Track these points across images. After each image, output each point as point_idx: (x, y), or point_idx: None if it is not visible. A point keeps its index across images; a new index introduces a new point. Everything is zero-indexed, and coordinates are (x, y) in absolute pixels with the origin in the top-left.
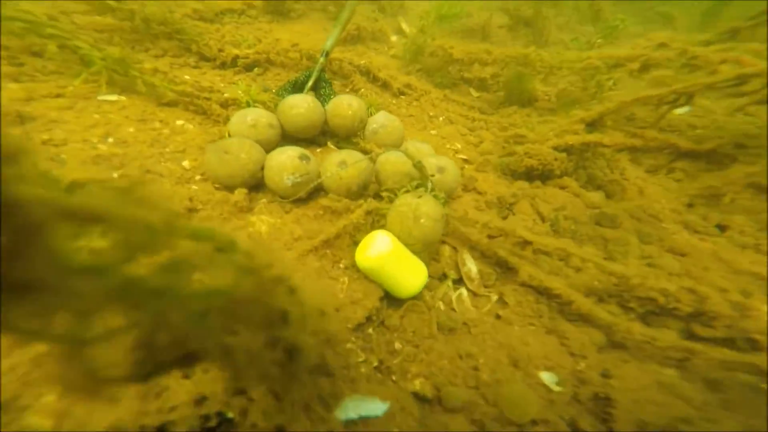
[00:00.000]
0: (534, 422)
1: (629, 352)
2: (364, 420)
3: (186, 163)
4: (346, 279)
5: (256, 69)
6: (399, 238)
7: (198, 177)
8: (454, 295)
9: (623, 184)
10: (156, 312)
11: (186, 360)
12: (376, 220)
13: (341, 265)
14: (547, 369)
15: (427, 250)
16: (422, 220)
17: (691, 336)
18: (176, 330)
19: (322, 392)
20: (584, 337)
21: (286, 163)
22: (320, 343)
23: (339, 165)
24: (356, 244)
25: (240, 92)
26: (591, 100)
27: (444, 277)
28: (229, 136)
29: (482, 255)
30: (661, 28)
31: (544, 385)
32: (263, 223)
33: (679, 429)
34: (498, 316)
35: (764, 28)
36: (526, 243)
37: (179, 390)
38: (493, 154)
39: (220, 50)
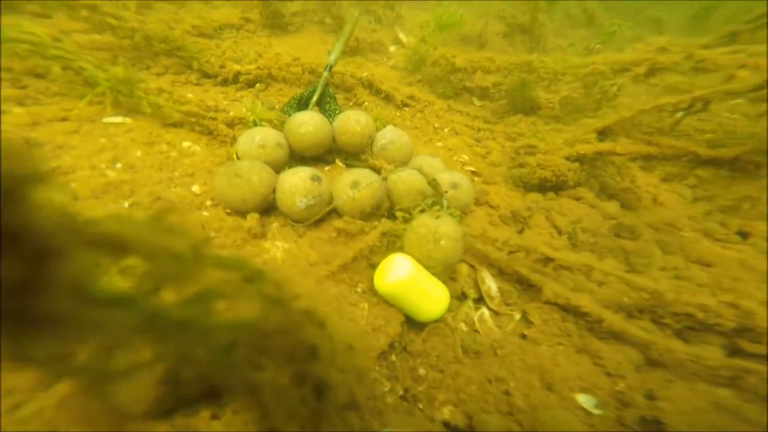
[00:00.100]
0: None
1: (671, 371)
2: None
3: (196, 188)
4: (366, 305)
5: (258, 85)
6: (419, 260)
7: (209, 202)
8: (476, 315)
9: (637, 192)
10: (181, 345)
11: (211, 396)
12: (392, 241)
13: (359, 289)
14: (584, 391)
15: (447, 272)
16: (442, 242)
17: (737, 352)
18: (201, 364)
19: (352, 429)
20: (619, 355)
21: (298, 185)
22: (350, 378)
23: (351, 186)
24: (373, 266)
25: (246, 111)
26: (596, 106)
27: (464, 296)
28: (237, 157)
29: (501, 272)
30: (652, 32)
31: (583, 409)
32: (278, 249)
33: None
34: (524, 336)
35: (764, 30)
36: (548, 260)
37: None
38: (502, 166)
39: (222, 66)
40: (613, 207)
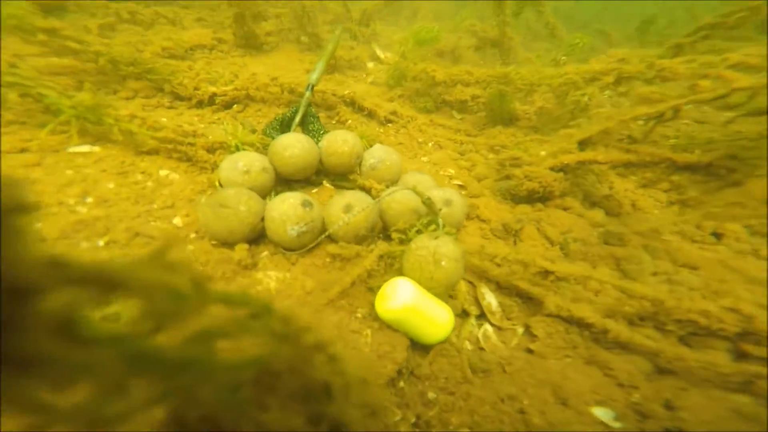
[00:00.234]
0: None
1: (682, 379)
2: None
3: (178, 220)
4: (368, 331)
5: (235, 106)
6: (420, 282)
7: (193, 235)
8: (479, 332)
9: (617, 198)
10: (183, 386)
11: None
12: (390, 264)
13: (359, 315)
14: (599, 404)
15: (448, 292)
16: (443, 263)
17: (743, 356)
18: (205, 406)
19: None
20: (629, 365)
21: (288, 212)
22: (366, 416)
23: (345, 210)
24: (371, 290)
25: (227, 134)
26: (570, 116)
27: (465, 314)
28: (220, 184)
29: (499, 287)
30: (603, 44)
31: (602, 423)
32: (271, 279)
33: None
34: (530, 351)
35: (701, 43)
36: (547, 272)
37: None
38: (488, 178)
39: (196, 88)
40: (599, 215)
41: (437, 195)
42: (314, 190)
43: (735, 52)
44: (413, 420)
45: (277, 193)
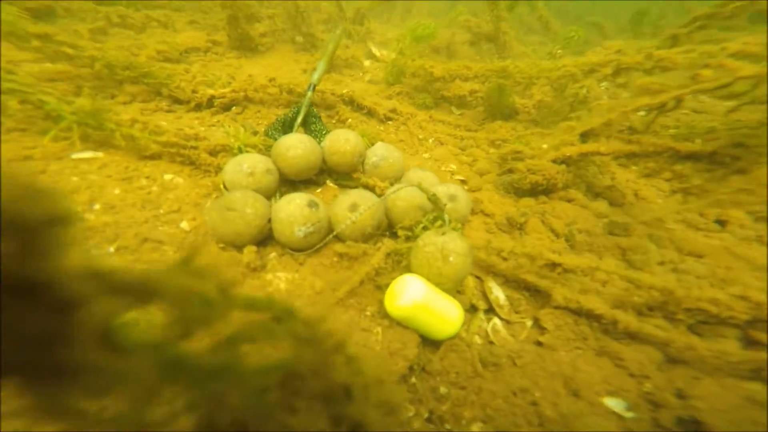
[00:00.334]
0: None
1: (693, 368)
2: None
3: (185, 224)
4: (379, 329)
5: (234, 108)
6: (428, 279)
7: (200, 239)
8: (488, 326)
9: (620, 189)
10: (215, 391)
11: None
12: (397, 261)
13: (368, 313)
14: (611, 394)
15: (456, 287)
16: (451, 258)
17: (752, 344)
18: (236, 410)
19: None
20: (640, 355)
21: (295, 213)
22: (383, 414)
23: (350, 209)
24: (379, 288)
25: (228, 136)
26: (570, 109)
27: (473, 308)
28: (225, 187)
29: (506, 281)
30: (597, 36)
31: (615, 413)
32: (280, 280)
33: None
34: (539, 343)
35: (697, 33)
36: (554, 265)
37: None
38: (491, 173)
39: (194, 91)
40: (603, 205)
41: (442, 190)
42: (318, 190)
43: (733, 42)
44: (426, 415)
45: (281, 194)
